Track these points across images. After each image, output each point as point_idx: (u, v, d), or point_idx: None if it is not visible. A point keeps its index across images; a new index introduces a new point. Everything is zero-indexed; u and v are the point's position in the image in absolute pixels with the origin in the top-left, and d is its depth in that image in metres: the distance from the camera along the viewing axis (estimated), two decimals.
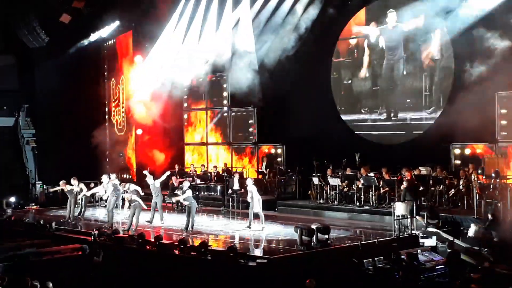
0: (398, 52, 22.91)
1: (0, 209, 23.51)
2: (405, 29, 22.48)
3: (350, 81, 24.53)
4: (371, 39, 23.74)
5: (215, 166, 25.40)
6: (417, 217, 17.01)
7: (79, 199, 21.10)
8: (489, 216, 16.19)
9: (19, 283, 12.52)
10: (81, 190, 20.96)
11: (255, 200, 17.95)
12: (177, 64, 26.95)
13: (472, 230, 16.14)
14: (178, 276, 14.81)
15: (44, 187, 27.36)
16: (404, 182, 18.09)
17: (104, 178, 20.96)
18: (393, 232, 16.50)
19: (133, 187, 18.95)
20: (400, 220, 16.77)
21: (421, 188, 18.97)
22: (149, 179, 19.48)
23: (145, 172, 19.97)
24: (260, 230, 17.84)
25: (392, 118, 23.19)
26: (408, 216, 16.79)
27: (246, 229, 18.11)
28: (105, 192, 20.67)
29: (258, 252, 15.50)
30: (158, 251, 15.58)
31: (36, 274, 13.72)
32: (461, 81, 20.97)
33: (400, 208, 16.81)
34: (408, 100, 22.73)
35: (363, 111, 24.07)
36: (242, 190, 21.03)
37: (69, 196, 20.76)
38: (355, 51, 24.37)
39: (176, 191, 21.41)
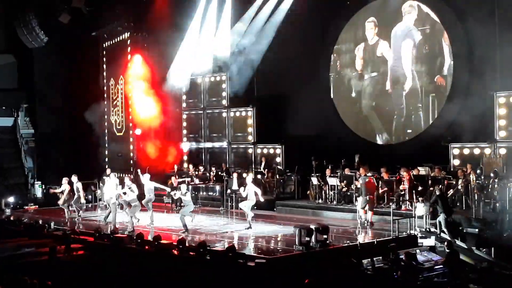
0: (398, 51, 22.99)
1: None
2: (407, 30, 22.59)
3: (349, 81, 24.59)
4: (370, 40, 23.83)
5: (213, 166, 25.37)
6: (362, 210, 18.02)
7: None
8: (436, 191, 16.71)
9: (18, 283, 12.53)
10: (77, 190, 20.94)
11: (248, 197, 17.97)
12: (177, 64, 26.97)
13: (419, 210, 16.71)
14: (177, 276, 14.80)
15: (43, 186, 27.39)
16: (360, 179, 18.57)
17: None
18: (391, 232, 16.52)
19: (135, 187, 18.94)
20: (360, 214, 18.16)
21: (420, 188, 18.97)
22: (145, 178, 19.44)
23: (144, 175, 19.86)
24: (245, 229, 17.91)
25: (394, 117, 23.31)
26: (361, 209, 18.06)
27: (247, 230, 18.05)
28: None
29: (256, 252, 15.50)
30: (157, 251, 15.57)
31: (35, 274, 13.74)
32: (460, 81, 21.04)
33: (359, 202, 18.30)
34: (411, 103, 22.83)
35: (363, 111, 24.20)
36: (238, 191, 21.10)
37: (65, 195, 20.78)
38: (354, 50, 24.41)
39: (175, 192, 21.42)
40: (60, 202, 21.27)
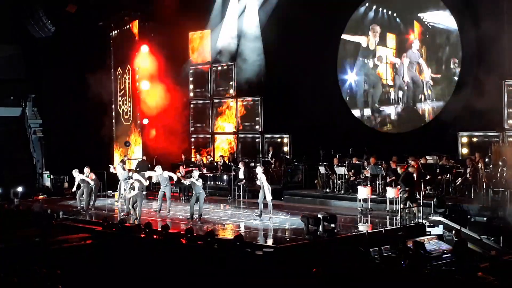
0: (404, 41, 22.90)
1: (7, 199, 23.59)
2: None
3: (356, 70, 24.51)
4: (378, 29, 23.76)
5: (221, 156, 25.40)
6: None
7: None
8: (410, 169, 17.41)
9: (28, 272, 12.60)
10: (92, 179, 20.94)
11: (265, 189, 17.88)
12: (184, 53, 26.95)
13: (390, 193, 17.67)
14: (185, 265, 14.86)
15: (51, 176, 27.51)
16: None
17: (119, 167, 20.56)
18: (399, 221, 16.51)
19: (136, 176, 18.93)
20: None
21: (428, 177, 18.94)
22: (158, 169, 19.52)
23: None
24: (267, 220, 17.84)
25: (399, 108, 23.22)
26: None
27: (256, 219, 18.03)
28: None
29: (264, 241, 15.53)
30: (165, 240, 15.62)
31: (44, 263, 13.83)
32: (468, 69, 20.93)
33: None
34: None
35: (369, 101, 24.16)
36: (244, 181, 21.11)
37: (82, 185, 20.75)
38: (363, 38, 24.31)
39: (182, 181, 21.45)
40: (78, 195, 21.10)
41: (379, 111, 23.87)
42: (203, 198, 18.14)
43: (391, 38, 23.35)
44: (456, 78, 21.53)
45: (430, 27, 22.21)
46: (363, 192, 18.78)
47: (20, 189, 24.46)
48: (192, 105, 28.72)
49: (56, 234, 17.41)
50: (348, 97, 24.78)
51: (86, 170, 20.69)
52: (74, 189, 21.22)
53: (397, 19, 23.11)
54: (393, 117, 23.45)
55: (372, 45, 23.98)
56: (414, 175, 17.83)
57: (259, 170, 18.37)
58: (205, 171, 23.95)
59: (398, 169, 18.31)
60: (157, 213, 19.42)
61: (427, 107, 22.39)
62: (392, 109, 23.46)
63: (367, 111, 24.23)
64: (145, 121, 27.94)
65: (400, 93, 23.15)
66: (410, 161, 19.13)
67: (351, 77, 24.76)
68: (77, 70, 28.15)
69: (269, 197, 17.84)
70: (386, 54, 23.53)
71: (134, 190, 18.13)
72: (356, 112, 24.42)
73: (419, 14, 22.47)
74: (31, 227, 18.08)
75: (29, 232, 17.30)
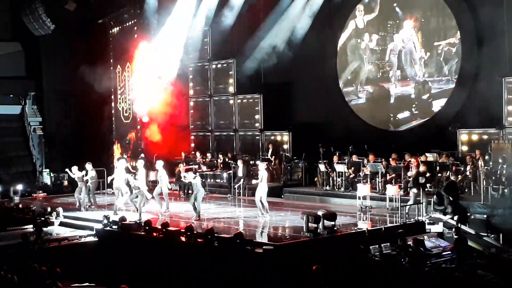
0: (404, 38, 22.86)
1: (7, 197, 23.59)
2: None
3: (356, 67, 24.47)
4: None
5: (221, 153, 25.37)
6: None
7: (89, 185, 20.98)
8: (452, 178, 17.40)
9: (27, 269, 12.61)
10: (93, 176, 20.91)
11: (262, 187, 17.87)
12: (184, 50, 26.90)
13: (390, 190, 17.90)
14: (184, 263, 14.87)
15: (51, 174, 27.50)
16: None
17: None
18: (399, 218, 16.50)
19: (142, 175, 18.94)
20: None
21: (428, 174, 18.91)
22: (159, 166, 19.48)
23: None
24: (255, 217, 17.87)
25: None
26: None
27: (260, 217, 17.92)
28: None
29: (264, 238, 15.53)
30: (165, 238, 15.62)
31: (44, 261, 13.83)
32: (468, 67, 20.90)
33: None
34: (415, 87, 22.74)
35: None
36: (242, 179, 21.08)
37: (80, 184, 20.69)
38: (361, 35, 24.28)
39: (182, 179, 21.44)
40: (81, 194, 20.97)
41: (379, 108, 23.89)
42: (201, 197, 18.09)
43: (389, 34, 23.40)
44: (456, 75, 21.46)
45: (429, 24, 22.17)
46: (363, 189, 18.84)
47: (20, 187, 24.49)
48: (192, 103, 28.69)
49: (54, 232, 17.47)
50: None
51: (89, 166, 20.66)
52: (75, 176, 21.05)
53: (395, 15, 23.12)
54: (393, 114, 23.42)
55: (371, 43, 23.95)
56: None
57: (261, 166, 18.30)
58: (204, 168, 23.94)
59: (413, 167, 18.08)
60: (165, 212, 19.32)
61: (427, 105, 22.33)
62: (393, 106, 23.46)
63: (368, 109, 24.23)
64: (145, 119, 27.92)
65: (400, 90, 23.11)
66: (407, 158, 19.17)
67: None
68: (76, 67, 28.14)
69: (264, 196, 17.85)
70: (384, 51, 23.51)
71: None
72: (356, 110, 24.39)
73: (416, 12, 22.46)
74: (31, 225, 18.11)
75: (28, 230, 17.32)
